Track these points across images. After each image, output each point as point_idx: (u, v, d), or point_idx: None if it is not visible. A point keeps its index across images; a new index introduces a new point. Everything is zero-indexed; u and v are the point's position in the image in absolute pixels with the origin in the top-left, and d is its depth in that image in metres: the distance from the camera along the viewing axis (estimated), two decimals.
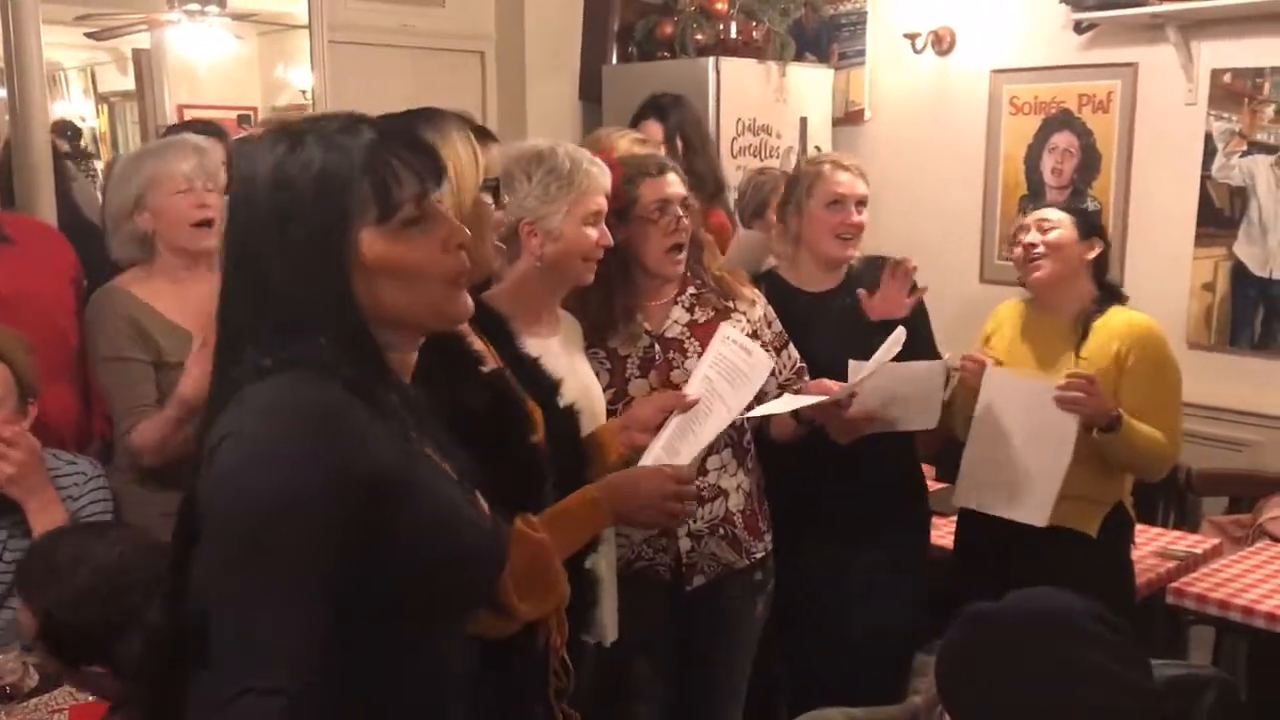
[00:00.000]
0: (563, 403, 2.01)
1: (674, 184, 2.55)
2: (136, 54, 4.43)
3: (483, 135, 1.85)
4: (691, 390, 2.20)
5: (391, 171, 1.32)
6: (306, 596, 1.20)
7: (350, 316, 1.30)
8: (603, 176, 2.23)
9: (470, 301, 1.41)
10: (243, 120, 4.50)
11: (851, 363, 2.57)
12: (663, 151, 3.41)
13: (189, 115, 4.34)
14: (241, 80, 4.67)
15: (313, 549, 1.20)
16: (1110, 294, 3.00)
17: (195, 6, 4.27)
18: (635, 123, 3.86)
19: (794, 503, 2.79)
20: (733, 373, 2.25)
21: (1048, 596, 1.44)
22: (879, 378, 2.57)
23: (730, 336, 2.33)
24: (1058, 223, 2.93)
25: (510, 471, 1.45)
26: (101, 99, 4.67)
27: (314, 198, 1.29)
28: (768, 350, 2.61)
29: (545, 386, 2.01)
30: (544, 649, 1.72)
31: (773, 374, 2.62)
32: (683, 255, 2.56)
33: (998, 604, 1.44)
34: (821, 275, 2.96)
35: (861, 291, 2.90)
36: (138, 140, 4.42)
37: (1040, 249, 2.92)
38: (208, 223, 2.65)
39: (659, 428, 2.17)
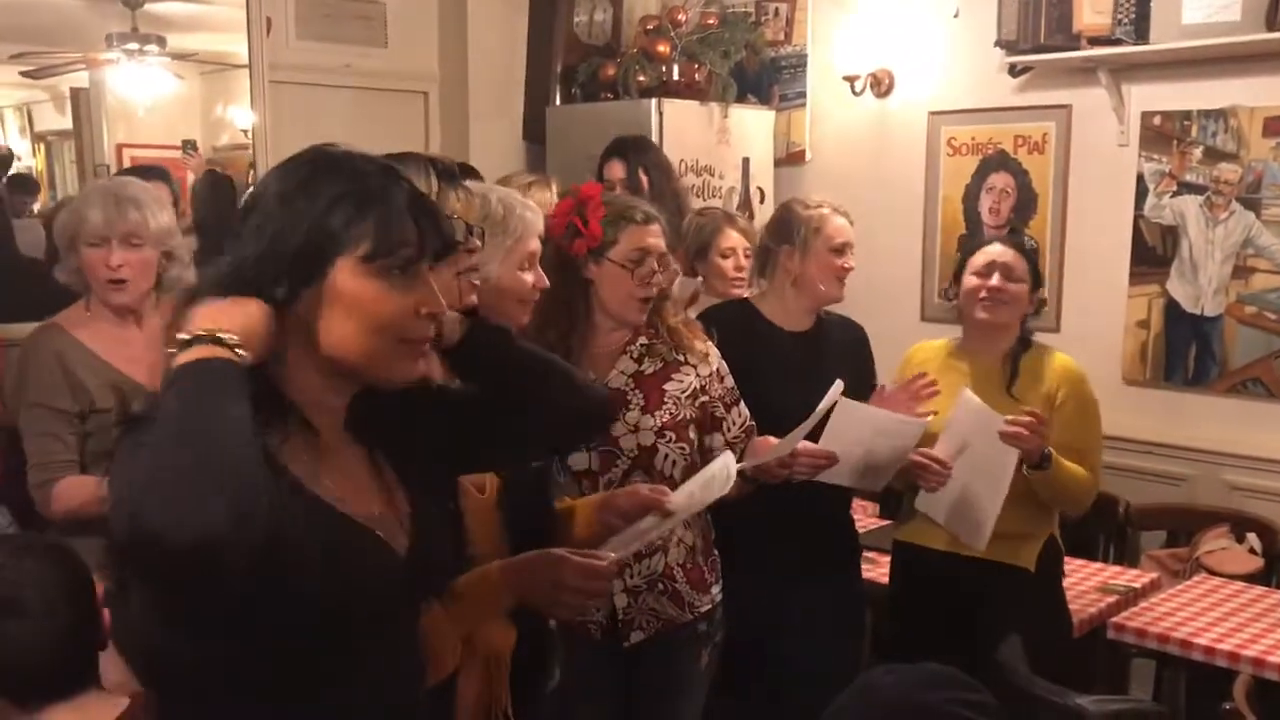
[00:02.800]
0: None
1: (656, 235, 2.51)
2: (75, 93, 4.39)
3: (453, 176, 1.83)
4: (675, 501, 2.08)
5: (401, 222, 1.34)
6: None
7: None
8: (536, 220, 2.17)
9: (423, 369, 1.40)
10: (187, 147, 4.46)
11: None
12: (618, 190, 3.41)
13: (128, 155, 4.31)
14: (182, 119, 4.64)
15: None
16: (1027, 334, 3.08)
17: (134, 46, 4.24)
18: (600, 165, 3.88)
19: (728, 545, 2.76)
20: (710, 491, 2.20)
21: (925, 682, 1.40)
22: (860, 426, 2.61)
23: (728, 465, 2.21)
24: (1021, 275, 2.99)
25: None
26: (38, 138, 4.61)
27: (323, 211, 1.32)
28: (716, 405, 2.61)
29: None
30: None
31: (720, 431, 2.63)
32: (648, 306, 2.52)
33: (887, 679, 1.42)
34: (804, 316, 3.01)
35: (882, 385, 2.94)
36: (75, 179, 4.37)
37: (1005, 296, 2.97)
38: (119, 281, 2.60)
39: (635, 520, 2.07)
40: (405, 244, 1.34)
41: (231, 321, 1.25)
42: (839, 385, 2.56)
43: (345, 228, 1.32)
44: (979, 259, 3.02)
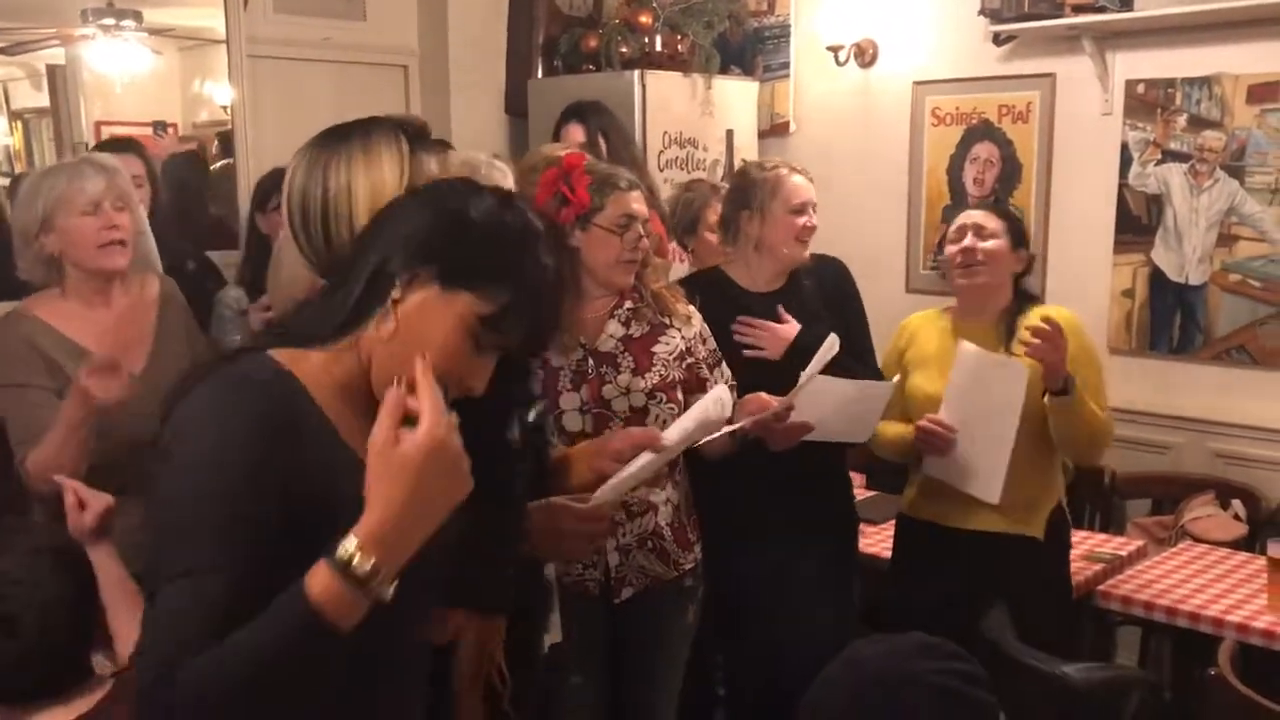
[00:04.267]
0: (532, 417, 1.99)
1: (639, 201, 2.58)
2: (51, 69, 4.34)
3: (433, 145, 1.81)
4: (671, 437, 2.10)
5: (529, 321, 1.40)
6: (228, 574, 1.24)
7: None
8: (504, 180, 2.19)
9: None
10: (158, 128, 4.42)
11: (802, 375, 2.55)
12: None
13: (106, 131, 4.27)
14: (160, 95, 4.59)
15: (233, 524, 1.25)
16: (1026, 297, 3.06)
17: (110, 21, 4.19)
18: (557, 129, 3.86)
19: (725, 513, 2.80)
20: (707, 427, 2.22)
21: (913, 652, 1.40)
22: (827, 393, 2.60)
23: (721, 398, 2.26)
24: (995, 231, 2.96)
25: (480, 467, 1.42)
26: (15, 115, 4.56)
27: (502, 252, 1.38)
28: (701, 366, 2.64)
29: (514, 400, 1.99)
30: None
31: (704, 392, 2.60)
32: (635, 269, 2.58)
33: (875, 649, 1.42)
34: (773, 277, 3.00)
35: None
36: (53, 157, 4.32)
37: (979, 256, 2.95)
38: (119, 242, 2.59)
39: (629, 460, 2.10)
40: (511, 337, 1.39)
41: (407, 547, 1.25)
42: (833, 339, 2.56)
43: (497, 281, 1.36)
44: (953, 226, 3.03)
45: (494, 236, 1.38)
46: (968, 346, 2.87)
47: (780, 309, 2.91)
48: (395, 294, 1.35)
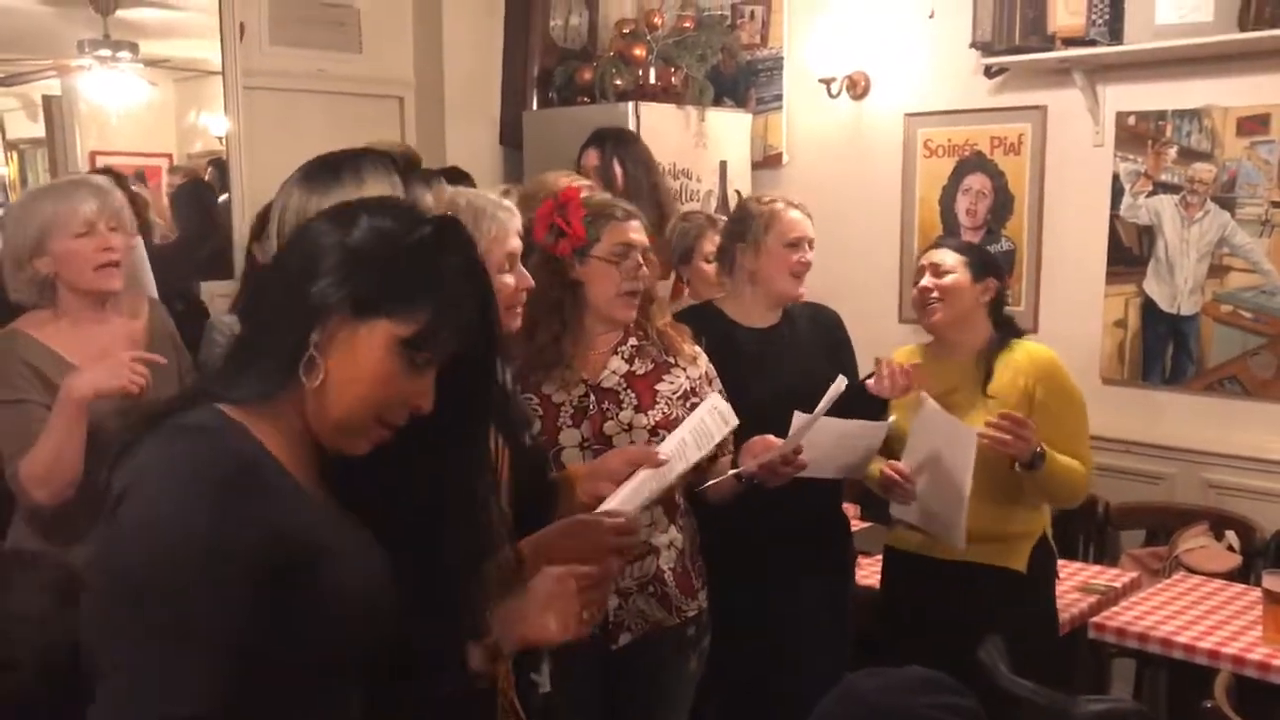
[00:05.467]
0: (529, 440, 1.99)
1: (637, 231, 2.55)
2: (47, 100, 4.36)
3: (427, 176, 1.81)
4: (666, 450, 2.13)
5: (456, 329, 1.35)
6: (206, 642, 1.20)
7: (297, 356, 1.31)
8: (511, 219, 2.16)
9: (362, 449, 1.38)
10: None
11: (796, 414, 2.54)
12: (592, 179, 3.40)
13: (102, 162, 4.28)
14: (156, 126, 4.61)
15: (202, 608, 1.20)
16: (1009, 329, 3.05)
17: (106, 52, 4.21)
18: (580, 153, 3.87)
19: (719, 549, 2.77)
20: (705, 438, 2.22)
21: (910, 687, 1.40)
22: (825, 435, 2.58)
23: (717, 407, 2.26)
24: (951, 267, 2.98)
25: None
26: (10, 146, 4.58)
27: (404, 271, 1.33)
28: None
29: (513, 423, 1.99)
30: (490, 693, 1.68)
31: None
32: (636, 302, 2.54)
33: (872, 683, 1.41)
34: (767, 313, 2.99)
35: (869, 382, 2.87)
36: None
37: (935, 294, 2.97)
38: (114, 263, 2.59)
39: (625, 480, 2.10)
40: (443, 350, 1.35)
41: None
42: (841, 381, 2.55)
43: (407, 301, 1.32)
44: (917, 267, 3.06)
45: (388, 255, 1.33)
46: (929, 402, 2.87)
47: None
48: (315, 339, 1.31)
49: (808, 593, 2.94)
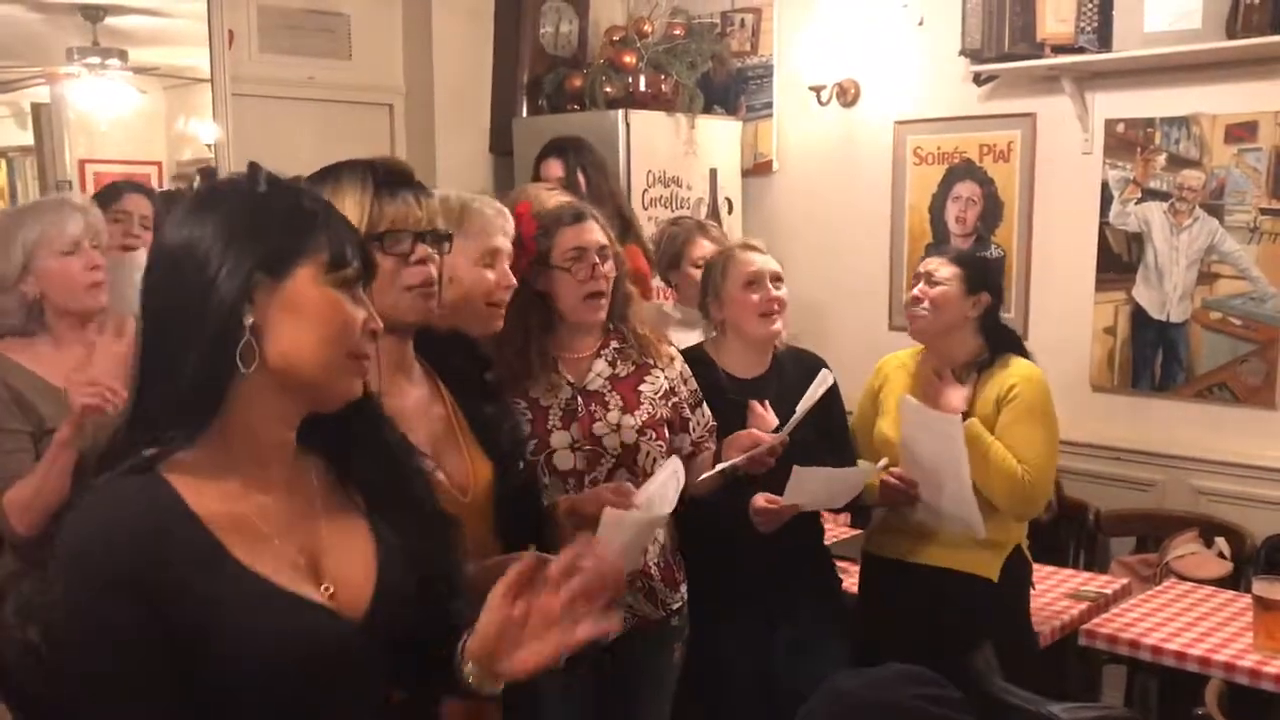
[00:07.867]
0: (523, 463, 1.99)
1: (592, 231, 2.54)
2: (36, 108, 4.35)
3: (408, 187, 1.82)
4: (638, 500, 2.15)
5: (349, 238, 1.39)
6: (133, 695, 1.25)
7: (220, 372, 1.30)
8: (497, 218, 2.20)
9: (361, 388, 1.40)
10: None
11: (796, 468, 2.64)
12: (556, 188, 3.40)
13: (91, 170, 4.27)
14: (145, 134, 4.61)
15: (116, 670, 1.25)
16: (1004, 344, 3.05)
17: (95, 60, 4.21)
18: (537, 164, 3.89)
19: (713, 576, 2.79)
20: (667, 492, 2.22)
21: (892, 681, 1.40)
22: (811, 480, 2.67)
23: (678, 473, 2.27)
24: (945, 279, 2.98)
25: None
26: None
27: (281, 223, 1.35)
28: (684, 406, 2.69)
29: (502, 445, 2.00)
30: None
31: (687, 431, 2.72)
32: (603, 302, 2.55)
33: (854, 681, 1.41)
34: (751, 360, 2.96)
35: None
36: (37, 194, 4.32)
37: (924, 303, 2.97)
38: (100, 282, 2.58)
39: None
40: (355, 259, 1.38)
41: None
42: (825, 375, 2.67)
43: (305, 237, 1.35)
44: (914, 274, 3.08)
45: (260, 210, 1.35)
46: (909, 400, 2.89)
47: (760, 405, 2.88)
48: (250, 321, 1.30)
49: (798, 624, 2.96)
